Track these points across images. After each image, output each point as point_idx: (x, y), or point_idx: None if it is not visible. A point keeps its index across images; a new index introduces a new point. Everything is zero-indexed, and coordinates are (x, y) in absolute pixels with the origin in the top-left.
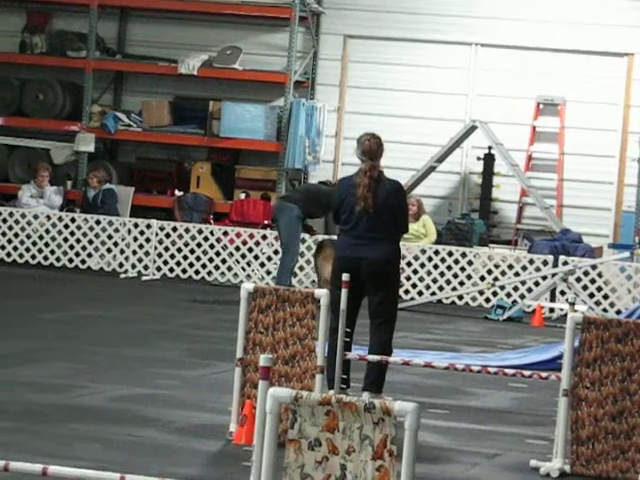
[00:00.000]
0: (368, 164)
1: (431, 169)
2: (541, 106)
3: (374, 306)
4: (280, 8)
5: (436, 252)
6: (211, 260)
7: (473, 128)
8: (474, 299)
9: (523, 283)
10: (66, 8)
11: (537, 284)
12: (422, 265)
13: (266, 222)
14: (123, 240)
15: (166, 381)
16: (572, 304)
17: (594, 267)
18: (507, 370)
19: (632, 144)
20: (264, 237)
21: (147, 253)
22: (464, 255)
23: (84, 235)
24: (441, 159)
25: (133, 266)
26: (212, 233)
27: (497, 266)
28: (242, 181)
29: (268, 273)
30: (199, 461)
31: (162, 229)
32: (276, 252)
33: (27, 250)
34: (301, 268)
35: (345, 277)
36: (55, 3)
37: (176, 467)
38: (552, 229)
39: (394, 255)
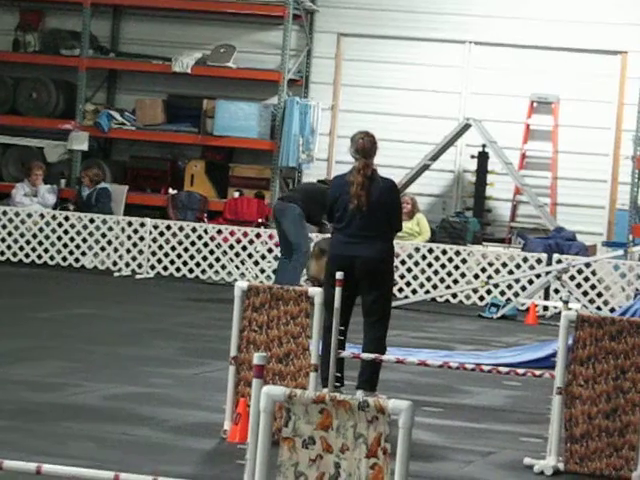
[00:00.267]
0: (362, 162)
1: (425, 167)
2: (535, 104)
3: (368, 304)
4: (274, 6)
5: (430, 250)
6: (205, 258)
7: (467, 126)
8: (468, 297)
9: (517, 281)
10: (59, 6)
11: (531, 282)
12: (416, 263)
13: (260, 220)
14: (117, 239)
15: (160, 380)
16: (566, 302)
17: (588, 265)
18: (501, 368)
19: (626, 142)
20: (258, 235)
21: (141, 252)
22: (458, 253)
23: (78, 234)
24: (435, 157)
25: (127, 265)
26: (206, 231)
27: (491, 264)
28: (236, 179)
29: (262, 271)
30: (193, 459)
31: (156, 227)
32: (270, 250)
33: (21, 249)
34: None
35: (339, 275)
36: (48, 2)
37: (170, 465)
38: (546, 227)
39: (388, 253)
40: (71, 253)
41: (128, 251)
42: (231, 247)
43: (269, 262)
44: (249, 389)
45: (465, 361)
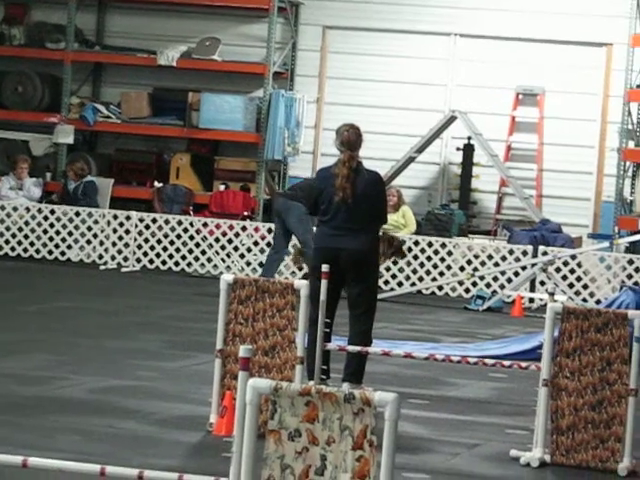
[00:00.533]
0: (347, 155)
1: (410, 160)
2: (520, 96)
3: (353, 297)
4: None
5: (416, 243)
6: (191, 251)
7: (452, 118)
8: (454, 289)
9: (503, 273)
10: (44, 0)
11: (517, 274)
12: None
13: (245, 213)
14: (102, 232)
15: (146, 373)
16: (551, 294)
17: (574, 257)
18: (487, 360)
19: (611, 134)
20: (244, 228)
21: (127, 245)
22: (444, 246)
23: (63, 227)
24: (420, 150)
25: (113, 258)
26: (192, 224)
27: (477, 256)
28: (221, 172)
29: (248, 264)
30: (179, 452)
31: (142, 221)
32: (256, 243)
33: (6, 242)
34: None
35: (324, 268)
36: None
37: (157, 458)
38: (531, 219)
39: (373, 246)
40: (57, 246)
41: (114, 244)
42: (217, 240)
43: (255, 255)
44: (235, 382)
45: (451, 353)
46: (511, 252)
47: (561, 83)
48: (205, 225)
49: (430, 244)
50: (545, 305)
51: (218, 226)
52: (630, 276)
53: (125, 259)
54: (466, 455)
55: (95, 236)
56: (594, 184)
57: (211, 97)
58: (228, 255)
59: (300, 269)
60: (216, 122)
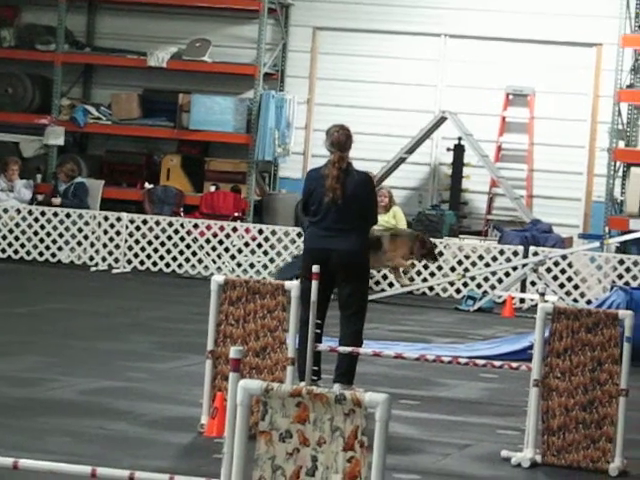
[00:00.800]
0: (337, 155)
1: (401, 160)
2: (510, 97)
3: (344, 297)
4: (249, 0)
5: None
6: (181, 253)
7: (443, 119)
8: (445, 290)
9: (493, 274)
10: (35, 1)
11: (507, 275)
12: None
13: (236, 214)
14: (93, 233)
15: (137, 374)
16: (542, 294)
17: (564, 257)
18: (478, 361)
19: (601, 134)
20: (234, 229)
21: (117, 246)
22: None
23: (54, 228)
24: (411, 150)
25: (103, 259)
26: (182, 226)
27: (467, 257)
28: (212, 173)
29: (239, 265)
30: (170, 454)
31: (132, 222)
32: (247, 244)
33: None
34: (272, 260)
35: (315, 269)
36: None
37: (147, 460)
38: (522, 220)
39: (363, 246)
40: (47, 248)
41: (105, 246)
42: (207, 241)
43: (245, 256)
44: (226, 383)
45: (442, 354)
46: (502, 252)
47: (551, 83)
48: (196, 226)
49: None
50: (536, 305)
51: (209, 227)
52: (621, 276)
53: (116, 260)
54: (457, 456)
55: (86, 237)
56: (584, 184)
57: (201, 98)
58: (219, 256)
59: None
60: (206, 123)
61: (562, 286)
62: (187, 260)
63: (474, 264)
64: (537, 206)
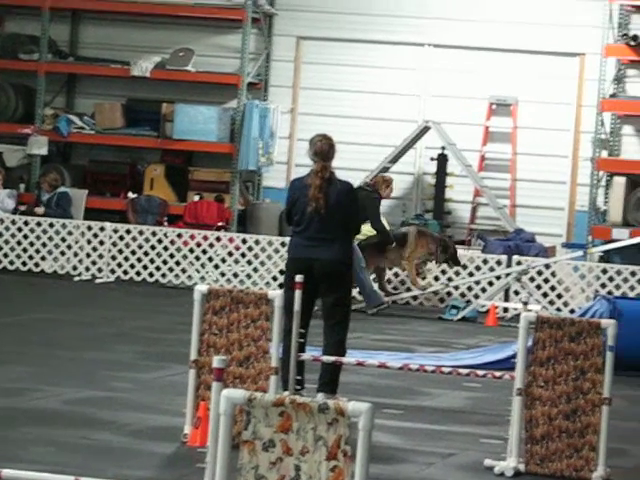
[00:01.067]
0: (320, 165)
1: (384, 170)
2: (494, 106)
3: (328, 307)
4: (233, 10)
5: None
6: (165, 262)
7: (426, 129)
8: (428, 299)
9: (477, 283)
10: (18, 11)
11: (491, 284)
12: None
13: (220, 224)
14: (76, 243)
15: (121, 384)
16: (525, 303)
17: (547, 266)
18: (461, 370)
19: (585, 144)
20: (218, 239)
21: (101, 256)
22: None
23: (37, 238)
24: (394, 160)
25: (87, 269)
26: (166, 235)
27: (451, 266)
28: (196, 183)
29: (222, 275)
30: (154, 463)
31: (116, 231)
32: (230, 254)
33: None
34: (255, 270)
35: (298, 278)
36: (7, 6)
37: (131, 469)
38: (505, 229)
39: (346, 256)
40: (31, 258)
41: (88, 255)
42: (191, 251)
43: (229, 265)
44: (210, 392)
45: (425, 363)
46: (485, 262)
47: (534, 93)
48: (179, 236)
49: None
50: (519, 314)
51: (192, 237)
52: (604, 285)
53: (99, 270)
54: (440, 465)
55: (69, 247)
56: (568, 194)
57: (185, 108)
58: (202, 266)
59: None
60: (190, 133)
61: (545, 295)
62: (170, 270)
63: (457, 273)
64: (520, 215)
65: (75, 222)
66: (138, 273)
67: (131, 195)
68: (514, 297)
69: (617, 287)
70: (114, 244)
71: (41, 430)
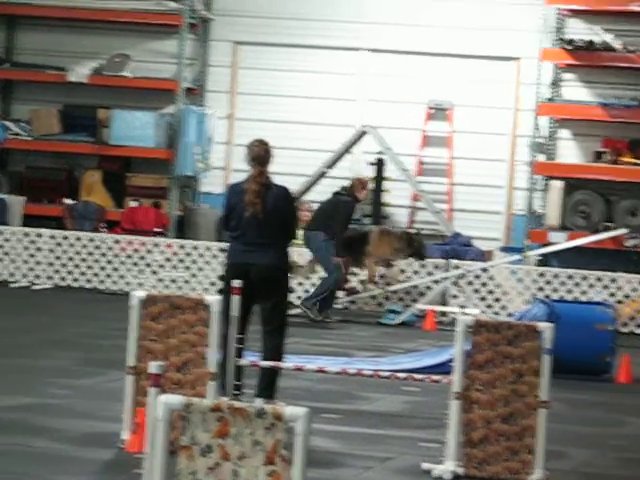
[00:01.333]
0: (257, 170)
1: (322, 175)
2: (431, 111)
3: (266, 312)
4: (169, 15)
5: None
6: (103, 269)
7: (363, 133)
8: (367, 304)
9: (415, 287)
10: None
11: (429, 288)
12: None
13: (157, 230)
14: (13, 250)
15: (59, 390)
16: (463, 307)
17: (485, 270)
18: (399, 374)
19: (522, 148)
20: (156, 245)
21: (38, 262)
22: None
23: None
24: (331, 165)
25: (24, 276)
26: (103, 241)
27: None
28: (133, 189)
29: (160, 281)
30: (91, 469)
31: (53, 238)
32: (168, 259)
33: None
34: (193, 275)
35: (236, 283)
36: None
37: (68, 476)
38: (443, 233)
39: (284, 261)
40: None
41: (25, 262)
42: (129, 257)
43: (167, 271)
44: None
45: (364, 367)
46: (423, 266)
47: (471, 97)
48: (117, 242)
49: None
50: (457, 318)
51: (130, 243)
52: (541, 289)
53: (36, 277)
54: (379, 469)
55: (6, 254)
56: (505, 197)
57: (122, 114)
58: (140, 272)
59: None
60: (127, 139)
61: (483, 299)
62: (108, 276)
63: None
64: (458, 219)
65: (12, 229)
66: (75, 279)
67: (68, 201)
68: (452, 301)
69: (555, 290)
70: (51, 250)
71: None
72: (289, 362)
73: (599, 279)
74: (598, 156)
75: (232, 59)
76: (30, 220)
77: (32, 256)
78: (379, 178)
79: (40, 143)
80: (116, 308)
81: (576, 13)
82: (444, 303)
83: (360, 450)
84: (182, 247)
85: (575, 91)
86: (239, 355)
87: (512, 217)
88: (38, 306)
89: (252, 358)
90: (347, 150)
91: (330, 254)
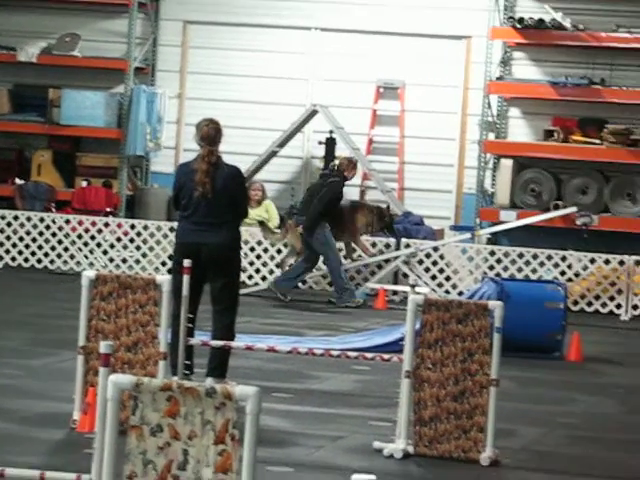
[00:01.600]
0: (206, 149)
1: (273, 154)
2: (381, 90)
3: (216, 292)
4: None
5: None
6: (53, 248)
7: (314, 112)
8: (317, 283)
9: (366, 266)
10: None
11: (380, 267)
12: (265, 250)
13: (108, 209)
14: None
15: (9, 370)
16: (414, 286)
17: (436, 249)
18: (350, 353)
19: (472, 127)
20: (106, 225)
21: None
22: None
23: None
24: (282, 144)
25: None
26: (54, 221)
27: (340, 249)
28: (83, 169)
29: (111, 260)
30: (42, 450)
31: (3, 218)
32: (119, 239)
33: None
34: (144, 255)
35: (186, 263)
36: None
37: (18, 456)
38: (394, 212)
39: (234, 240)
40: None
41: None
42: (79, 237)
43: (118, 251)
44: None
45: (314, 346)
46: (374, 245)
47: (421, 76)
48: (67, 222)
49: None
50: (408, 297)
51: (81, 223)
52: (492, 267)
53: None
54: (330, 447)
55: None
56: (455, 176)
57: (72, 93)
58: (91, 252)
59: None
60: (77, 118)
61: (434, 278)
62: (59, 256)
63: (345, 257)
64: (408, 198)
65: None
66: (26, 259)
67: (18, 181)
68: (403, 280)
69: (505, 269)
70: (2, 230)
71: None
72: (240, 341)
73: (549, 257)
74: (548, 135)
75: (182, 38)
76: None
77: None
78: (330, 157)
79: None
80: (67, 288)
81: None
82: (395, 282)
83: (311, 429)
84: (133, 227)
85: (525, 70)
86: (190, 334)
87: (462, 196)
88: None
89: (203, 337)
90: (298, 129)
91: (333, 245)
